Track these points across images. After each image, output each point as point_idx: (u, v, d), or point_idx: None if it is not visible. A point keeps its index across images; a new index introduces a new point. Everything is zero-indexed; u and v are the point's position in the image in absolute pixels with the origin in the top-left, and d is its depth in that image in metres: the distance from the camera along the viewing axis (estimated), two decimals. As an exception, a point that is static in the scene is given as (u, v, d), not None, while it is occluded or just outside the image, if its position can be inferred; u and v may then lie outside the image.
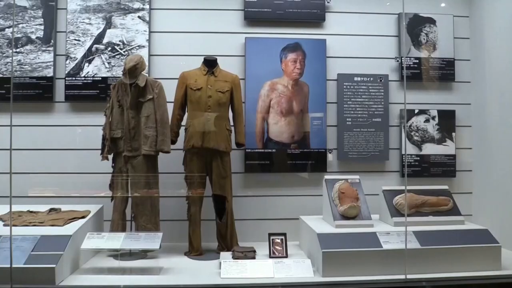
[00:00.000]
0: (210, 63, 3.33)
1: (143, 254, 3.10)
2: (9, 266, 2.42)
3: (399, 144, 3.83)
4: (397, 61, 3.81)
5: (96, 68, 3.59)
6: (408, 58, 3.83)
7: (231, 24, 3.75)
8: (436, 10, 3.89)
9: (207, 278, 2.68)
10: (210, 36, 3.71)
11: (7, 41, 3.55)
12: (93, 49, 3.60)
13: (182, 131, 3.32)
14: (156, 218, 3.19)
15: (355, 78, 3.77)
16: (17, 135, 3.41)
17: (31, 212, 3.14)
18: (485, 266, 2.78)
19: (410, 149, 3.80)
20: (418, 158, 3.81)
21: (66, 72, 3.57)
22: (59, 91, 3.59)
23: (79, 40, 3.60)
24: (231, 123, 3.37)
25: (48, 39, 3.59)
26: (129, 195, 3.16)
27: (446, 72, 3.86)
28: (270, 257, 2.99)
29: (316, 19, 3.78)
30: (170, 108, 3.27)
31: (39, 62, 3.57)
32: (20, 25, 3.58)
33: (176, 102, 3.31)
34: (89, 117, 3.57)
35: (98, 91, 3.57)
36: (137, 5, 3.66)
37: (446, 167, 3.82)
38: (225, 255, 2.99)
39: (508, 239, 3.21)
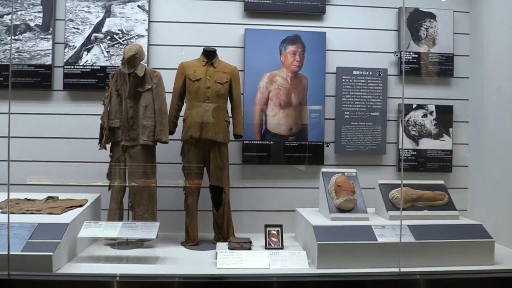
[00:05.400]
0: (209, 54, 3.32)
1: (140, 243, 3.12)
2: (6, 253, 2.43)
3: (396, 138, 3.84)
4: (396, 55, 3.81)
5: (95, 57, 3.58)
6: (408, 53, 3.82)
7: (231, 15, 3.73)
8: (437, 5, 3.87)
9: (203, 268, 2.70)
10: (210, 26, 3.69)
11: (6, 28, 3.53)
12: (92, 37, 3.59)
13: (180, 121, 3.33)
14: (153, 207, 3.20)
15: (354, 72, 3.77)
16: (15, 123, 3.40)
17: (29, 200, 3.14)
18: (479, 260, 2.81)
19: (407, 144, 3.82)
20: (415, 153, 3.82)
21: (65, 60, 3.56)
22: (58, 79, 3.58)
23: (78, 29, 3.58)
24: (229, 115, 3.37)
25: (47, 27, 3.57)
26: (127, 184, 3.18)
27: (445, 68, 3.86)
28: (266, 248, 3.02)
29: (316, 11, 3.76)
30: (168, 98, 3.27)
31: (37, 50, 3.55)
32: (19, 12, 3.56)
33: (175, 93, 3.31)
34: (87, 106, 3.56)
35: (96, 80, 3.56)
36: (137, -6, 3.64)
37: (442, 162, 3.83)
38: (221, 246, 3.01)
39: (502, 235, 3.25)
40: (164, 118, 3.16)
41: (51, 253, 2.48)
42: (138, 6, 3.63)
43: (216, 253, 2.81)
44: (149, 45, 3.62)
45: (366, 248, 2.74)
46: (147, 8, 3.63)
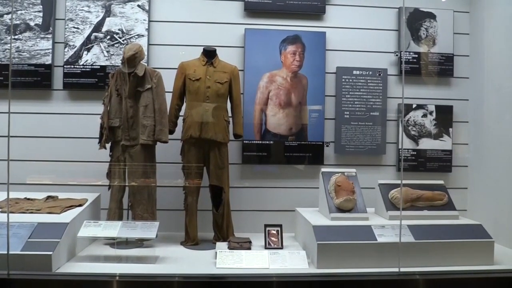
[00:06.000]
0: (209, 54, 3.32)
1: (140, 243, 3.12)
2: (6, 252, 2.43)
3: (396, 138, 3.84)
4: (396, 55, 3.81)
5: (94, 57, 3.58)
6: (408, 53, 3.82)
7: (231, 15, 3.73)
8: (437, 5, 3.87)
9: (203, 267, 2.71)
10: (210, 26, 3.69)
11: (6, 27, 3.53)
12: (92, 37, 3.59)
13: (180, 121, 3.33)
14: (153, 207, 3.20)
15: (354, 72, 3.77)
16: (15, 122, 3.40)
17: (28, 199, 3.14)
18: (478, 260, 2.81)
19: (407, 144, 3.82)
20: (415, 153, 3.82)
21: (65, 60, 3.56)
22: (58, 78, 3.58)
23: (78, 28, 3.58)
24: (229, 114, 3.37)
25: (47, 26, 3.57)
26: (126, 184, 3.18)
27: (444, 68, 3.86)
28: (266, 248, 3.02)
29: (316, 11, 3.76)
30: (168, 98, 3.27)
31: (37, 49, 3.55)
32: (19, 12, 3.56)
33: (175, 92, 3.31)
34: (87, 106, 3.57)
35: (96, 80, 3.56)
36: (137, -7, 3.64)
37: (442, 162, 3.83)
38: (221, 245, 3.01)
39: (501, 235, 3.25)
40: (164, 117, 3.16)
41: (50, 253, 2.48)
42: (138, 5, 3.63)
43: (216, 252, 2.81)
44: (149, 44, 3.62)
45: (366, 248, 2.74)
46: (147, 7, 3.63)
